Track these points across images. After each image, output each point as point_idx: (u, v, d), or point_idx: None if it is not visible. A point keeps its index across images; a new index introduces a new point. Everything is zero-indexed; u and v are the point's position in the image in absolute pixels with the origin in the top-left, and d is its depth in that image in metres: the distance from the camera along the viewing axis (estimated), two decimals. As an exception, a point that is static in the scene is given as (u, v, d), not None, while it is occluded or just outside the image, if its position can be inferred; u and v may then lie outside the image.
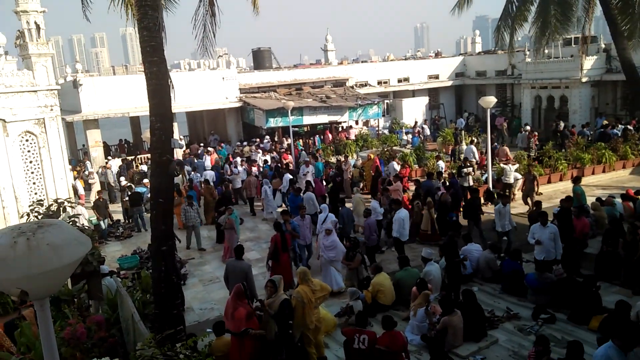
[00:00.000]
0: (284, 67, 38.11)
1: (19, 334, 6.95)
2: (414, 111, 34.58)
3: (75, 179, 19.79)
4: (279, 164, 21.11)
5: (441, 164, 19.67)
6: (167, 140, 8.20)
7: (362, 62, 44.77)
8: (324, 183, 18.38)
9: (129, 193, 17.63)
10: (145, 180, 18.61)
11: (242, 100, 29.75)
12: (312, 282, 8.11)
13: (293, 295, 8.03)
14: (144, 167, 23.18)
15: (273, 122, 27.88)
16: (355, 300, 9.23)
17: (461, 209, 14.76)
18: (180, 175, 20.05)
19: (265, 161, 22.69)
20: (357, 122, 32.55)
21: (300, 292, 7.82)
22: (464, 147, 21.97)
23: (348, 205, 14.88)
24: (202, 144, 28.70)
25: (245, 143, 27.94)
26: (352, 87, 33.68)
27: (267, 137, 29.07)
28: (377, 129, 31.95)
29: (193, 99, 27.52)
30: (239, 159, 21.90)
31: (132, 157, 26.82)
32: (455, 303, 8.72)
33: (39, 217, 11.68)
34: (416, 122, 32.53)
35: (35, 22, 15.20)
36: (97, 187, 20.51)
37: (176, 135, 26.58)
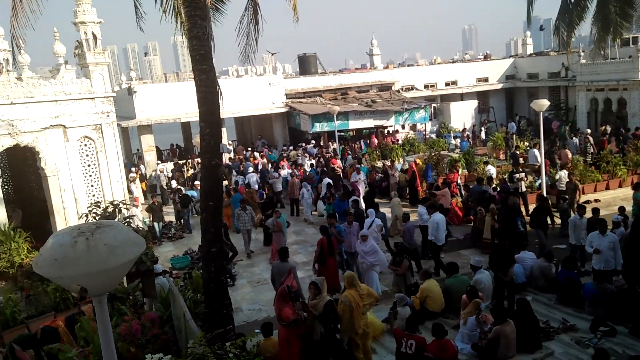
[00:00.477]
0: (329, 72, 38.24)
1: (79, 328, 7.29)
2: (462, 115, 33.87)
3: (130, 182, 20.56)
4: (325, 169, 21.15)
5: (491, 169, 19.12)
6: (216, 145, 8.40)
7: (408, 65, 44.32)
8: (367, 187, 18.36)
9: (179, 195, 18.22)
10: (197, 183, 19.11)
11: (288, 106, 30.07)
12: (360, 286, 8.06)
13: (340, 299, 8.01)
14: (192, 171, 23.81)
15: (319, 127, 28.02)
16: (403, 307, 9.09)
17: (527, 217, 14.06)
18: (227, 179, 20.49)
19: (312, 165, 22.82)
20: (403, 127, 32.21)
21: (347, 297, 7.79)
22: (531, 151, 21.00)
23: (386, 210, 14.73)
24: (249, 149, 29.20)
25: (291, 147, 28.21)
26: (398, 91, 33.38)
27: (313, 141, 29.24)
28: (424, 133, 31.52)
29: (241, 104, 28.06)
30: (285, 163, 22.18)
31: (183, 161, 27.60)
32: (508, 312, 8.42)
33: (97, 218, 12.22)
34: (465, 127, 31.85)
35: (93, 33, 15.93)
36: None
37: (225, 140, 27.20)
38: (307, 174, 20.63)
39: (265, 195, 18.90)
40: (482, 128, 32.13)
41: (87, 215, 12.76)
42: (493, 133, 28.74)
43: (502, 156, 24.74)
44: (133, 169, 24.32)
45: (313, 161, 23.88)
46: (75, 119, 15.50)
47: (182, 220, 18.01)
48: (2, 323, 9.85)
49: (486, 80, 36.28)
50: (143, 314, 7.26)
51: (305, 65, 37.26)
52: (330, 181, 18.16)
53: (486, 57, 41.55)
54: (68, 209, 15.33)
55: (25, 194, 17.47)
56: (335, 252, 11.43)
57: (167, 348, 6.19)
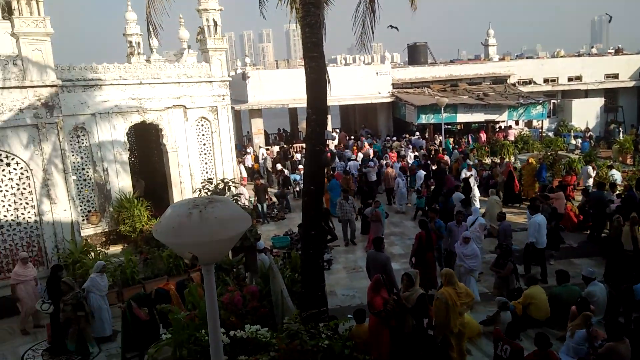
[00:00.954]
0: (439, 62, 37.06)
1: (188, 293, 7.89)
2: (585, 113, 30.99)
3: (239, 163, 21.70)
4: (429, 162, 20.62)
5: (616, 174, 17.35)
6: (321, 132, 8.51)
7: (526, 57, 41.49)
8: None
9: (282, 178, 18.98)
10: (301, 167, 19.66)
11: (395, 96, 29.68)
12: (458, 285, 7.80)
13: (436, 295, 7.82)
14: (298, 156, 24.49)
15: (424, 119, 27.34)
16: (504, 311, 8.64)
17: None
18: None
19: (415, 157, 22.40)
20: (517, 123, 30.30)
21: (444, 294, 7.58)
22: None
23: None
24: (352, 137, 29.36)
25: (394, 138, 27.88)
26: (513, 85, 31.44)
27: (417, 133, 28.62)
28: (540, 130, 29.41)
29: (347, 92, 28.21)
30: (391, 155, 22.02)
31: (289, 145, 28.50)
32: (625, 330, 7.65)
33: (208, 193, 13.07)
34: (588, 127, 29.21)
35: (214, 20, 16.92)
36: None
37: (329, 128, 27.62)
38: (410, 165, 20.27)
39: (358, 183, 19.06)
40: (620, 128, 28.97)
41: (200, 190, 13.70)
42: (616, 135, 26.02)
43: (629, 161, 22.34)
44: (249, 150, 25.59)
45: (416, 152, 23.41)
46: (194, 101, 16.64)
47: (284, 202, 18.68)
48: (123, 281, 10.98)
49: (616, 76, 32.86)
50: (244, 287, 7.66)
51: (415, 55, 36.44)
52: (424, 173, 17.85)
53: (617, 52, 37.55)
54: (184, 183, 16.58)
55: (149, 167, 19.18)
56: (434, 247, 11.15)
57: (265, 321, 6.47)
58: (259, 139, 28.21)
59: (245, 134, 32.73)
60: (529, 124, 31.06)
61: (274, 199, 18.98)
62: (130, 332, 8.59)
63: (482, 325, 8.90)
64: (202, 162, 17.23)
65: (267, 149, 26.11)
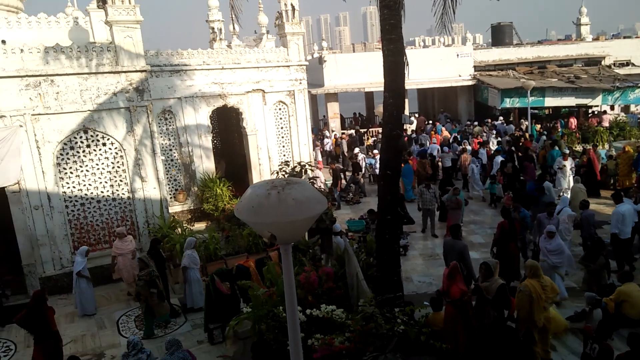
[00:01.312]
0: (525, 43, 35.00)
1: (266, 271, 8.17)
2: (694, 97, 27.94)
3: (315, 147, 21.92)
4: (513, 148, 19.62)
5: None
6: (398, 116, 8.37)
7: (624, 37, 38.04)
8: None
9: (352, 163, 18.97)
10: (376, 151, 19.51)
11: (476, 78, 28.46)
12: (543, 278, 7.41)
13: (519, 287, 7.49)
14: (374, 140, 24.31)
15: (509, 103, 26.01)
16: (595, 308, 8.10)
17: None
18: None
19: (499, 142, 21.43)
20: (612, 108, 27.99)
21: (528, 286, 7.24)
22: None
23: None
24: (430, 121, 28.62)
25: (475, 123, 26.82)
26: (609, 67, 29.04)
27: (501, 117, 27.33)
28: (639, 116, 26.99)
29: (425, 75, 27.45)
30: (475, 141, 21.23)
31: (364, 129, 28.35)
32: None
33: (285, 175, 13.35)
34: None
35: (291, 4, 17.05)
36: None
37: (407, 112, 27.08)
38: (493, 152, 19.43)
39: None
40: None
41: (277, 172, 14.03)
42: None
43: None
44: (328, 134, 25.75)
45: (499, 138, 22.37)
46: (272, 85, 16.96)
47: (356, 187, 18.70)
48: (206, 256, 11.55)
49: None
50: (320, 268, 7.78)
51: (499, 36, 34.67)
52: (502, 159, 17.00)
53: None
54: (263, 165, 17.05)
55: (229, 149, 19.91)
56: (518, 237, 10.66)
57: (339, 302, 6.55)
58: (334, 123, 28.30)
59: (321, 118, 32.98)
60: (625, 109, 28.60)
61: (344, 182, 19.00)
62: (212, 304, 9.04)
63: (569, 321, 8.42)
64: (280, 145, 17.60)
65: (342, 133, 26.13)
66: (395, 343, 5.27)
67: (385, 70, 8.21)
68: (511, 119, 27.46)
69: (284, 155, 17.59)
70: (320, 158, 22.02)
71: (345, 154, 23.50)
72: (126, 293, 11.36)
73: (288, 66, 17.18)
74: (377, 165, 16.87)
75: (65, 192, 11.85)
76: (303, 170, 13.91)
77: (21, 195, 11.29)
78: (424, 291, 10.44)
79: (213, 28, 23.26)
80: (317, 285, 6.80)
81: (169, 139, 15.62)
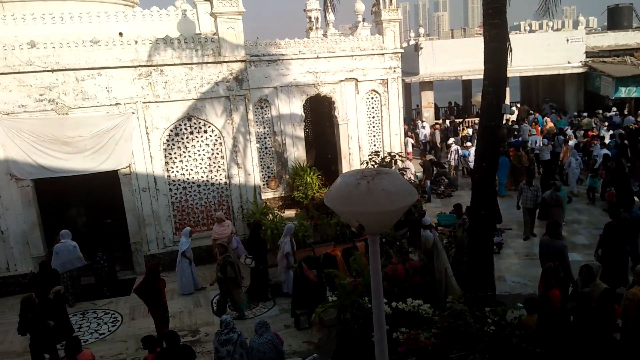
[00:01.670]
0: (649, 25, 31.51)
1: (353, 261, 8.23)
2: None
3: (406, 137, 21.52)
4: (626, 142, 17.87)
5: None
6: (498, 105, 8.00)
7: None
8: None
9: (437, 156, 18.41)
10: (469, 144, 18.75)
11: (588, 65, 26.17)
12: (656, 285, 6.70)
13: (626, 295, 6.84)
14: (470, 131, 23.36)
15: (624, 92, 23.65)
16: None
17: None
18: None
19: (612, 136, 19.63)
20: None
21: (636, 293, 6.59)
22: None
23: None
24: (531, 112, 26.87)
25: (584, 114, 24.73)
26: None
27: (614, 109, 24.94)
28: None
29: (530, 62, 25.73)
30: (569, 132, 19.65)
31: (460, 120, 27.33)
32: None
33: (375, 165, 13.27)
34: None
35: (390, -10, 16.77)
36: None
37: (507, 101, 25.65)
38: (607, 144, 17.84)
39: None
40: None
41: (367, 162, 13.99)
42: None
43: None
44: (426, 124, 25.18)
45: (612, 131, 20.46)
46: (366, 74, 16.87)
47: (449, 179, 18.14)
48: (295, 243, 11.85)
49: None
50: (407, 261, 7.68)
51: (616, 18, 31.58)
52: (608, 153, 15.50)
53: None
54: (353, 155, 17.09)
55: (320, 138, 20.18)
56: (628, 239, 9.73)
57: (426, 297, 6.42)
58: (428, 113, 27.57)
59: (414, 107, 32.26)
60: None
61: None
62: (300, 290, 9.30)
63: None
64: (370, 134, 17.52)
65: (436, 123, 25.39)
66: (485, 343, 5.07)
67: (486, 57, 7.87)
68: (626, 110, 24.97)
69: (374, 145, 17.48)
70: (411, 149, 21.58)
71: (439, 145, 22.83)
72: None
73: (383, 54, 16.99)
74: (471, 158, 16.22)
75: (169, 176, 12.74)
76: (393, 160, 13.74)
77: (131, 177, 12.31)
78: (518, 292, 9.90)
79: (310, 17, 23.61)
80: (403, 278, 6.72)
81: (264, 128, 16.16)
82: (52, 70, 11.31)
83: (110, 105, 11.89)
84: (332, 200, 4.01)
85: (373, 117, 17.50)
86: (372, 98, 17.38)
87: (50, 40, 11.34)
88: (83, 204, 13.54)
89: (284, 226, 11.33)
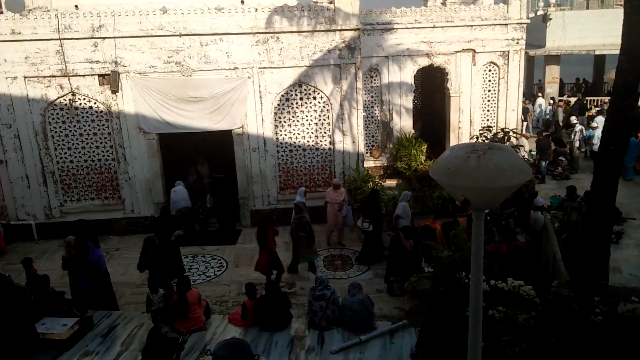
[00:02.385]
0: None
1: (453, 235, 8.05)
2: None
3: (525, 113, 20.15)
4: None
5: None
6: (635, 83, 7.25)
7: None
8: None
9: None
10: (595, 124, 17.12)
11: None
12: None
13: None
14: (597, 111, 21.24)
15: None
16: None
17: None
18: None
19: None
20: None
21: None
22: None
23: None
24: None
25: None
26: None
27: None
28: None
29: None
30: None
31: (587, 98, 24.94)
32: None
33: (486, 141, 12.67)
34: None
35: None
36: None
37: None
38: None
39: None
40: None
41: (477, 137, 13.40)
42: None
43: None
44: (561, 101, 23.43)
45: None
46: (485, 45, 15.96)
47: (568, 160, 16.79)
48: (394, 213, 11.83)
49: None
50: (512, 241, 7.34)
51: None
52: None
53: None
54: (462, 129, 16.46)
55: (428, 110, 19.63)
56: None
57: (528, 279, 6.11)
58: (552, 88, 25.50)
59: (536, 82, 29.96)
60: None
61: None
62: (395, 258, 9.34)
63: None
64: (484, 108, 16.68)
65: (560, 100, 23.43)
66: (590, 333, 4.75)
67: (625, 30, 7.14)
68: None
69: (487, 120, 16.64)
70: (530, 126, 20.21)
71: (560, 123, 21.11)
72: (326, 237, 12.24)
73: (506, 24, 15.92)
74: (596, 140, 14.84)
75: (277, 139, 13.27)
76: (506, 137, 12.99)
77: (243, 138, 13.02)
78: (634, 285, 9.08)
79: (429, -16, 22.69)
80: (506, 258, 6.46)
81: (371, 96, 16.08)
82: (180, 35, 12.17)
83: (229, 69, 12.56)
84: (438, 172, 3.94)
85: (489, 91, 16.60)
86: (490, 71, 16.46)
87: (180, 7, 12.16)
88: (200, 158, 14.59)
89: (384, 195, 11.43)
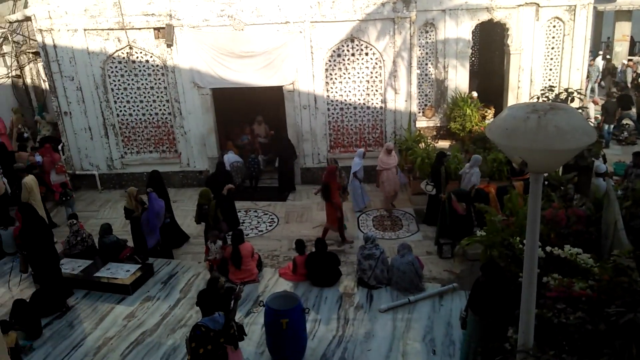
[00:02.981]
0: None
1: (507, 199, 7.84)
2: None
3: (589, 74, 18.92)
4: None
5: None
6: None
7: None
8: None
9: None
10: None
11: None
12: None
13: None
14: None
15: None
16: None
17: None
18: None
19: None
20: None
21: None
22: None
23: None
24: None
25: None
26: None
27: None
28: None
29: None
30: None
31: (660, 57, 23.11)
32: None
33: (548, 101, 12.06)
34: None
35: None
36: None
37: None
38: None
39: None
40: None
41: (538, 98, 12.77)
42: None
43: None
44: (630, 60, 21.91)
45: None
46: (554, -3, 14.92)
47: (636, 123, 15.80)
48: (446, 175, 11.61)
49: None
50: (570, 207, 7.06)
51: None
52: None
53: None
54: (522, 89, 15.68)
55: (485, 68, 18.81)
56: None
57: (587, 247, 5.90)
58: (621, 47, 23.74)
59: (604, 40, 27.96)
60: None
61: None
62: (446, 221, 9.23)
63: None
64: (546, 67, 15.76)
65: (629, 60, 21.83)
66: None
67: None
68: None
69: (549, 80, 15.75)
70: (595, 87, 19.02)
71: (629, 85, 19.78)
72: (383, 202, 12.12)
73: (575, -25, 14.78)
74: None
75: (328, 96, 13.13)
76: (570, 98, 12.27)
77: (294, 94, 12.97)
78: None
79: None
80: (564, 224, 6.24)
81: (425, 53, 15.52)
82: (233, -13, 12.07)
83: (281, 23, 12.38)
84: (495, 132, 3.81)
85: (552, 48, 15.63)
86: (554, 26, 15.43)
87: (233, -42, 11.99)
88: (258, 117, 14.67)
89: (435, 155, 11.15)
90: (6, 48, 16.15)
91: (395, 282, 7.88)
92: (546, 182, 8.68)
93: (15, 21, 14.22)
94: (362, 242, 8.44)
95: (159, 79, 13.00)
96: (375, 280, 7.94)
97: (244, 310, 7.74)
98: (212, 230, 9.09)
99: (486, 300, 5.36)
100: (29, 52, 16.30)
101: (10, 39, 15.87)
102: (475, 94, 15.54)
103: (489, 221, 6.94)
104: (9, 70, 16.27)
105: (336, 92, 13.13)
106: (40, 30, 12.43)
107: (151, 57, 12.78)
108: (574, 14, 15.06)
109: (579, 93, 12.86)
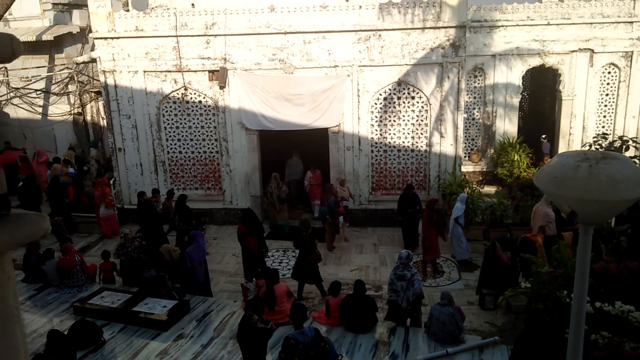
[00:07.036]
0: None
1: (555, 250, 7.48)
2: None
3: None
4: None
5: None
6: None
7: None
8: None
9: None
10: None
11: None
12: None
13: None
14: None
15: None
16: None
17: None
18: None
19: None
20: None
21: None
22: None
23: None
24: None
25: None
26: None
27: None
28: None
29: None
30: None
31: None
32: None
33: (600, 149, 11.62)
34: None
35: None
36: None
37: None
38: None
39: None
40: None
41: (590, 145, 12.35)
42: None
43: None
44: None
45: None
46: (605, 44, 14.64)
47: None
48: (491, 221, 11.29)
49: None
50: (623, 261, 6.65)
51: None
52: None
53: None
54: (574, 135, 15.25)
55: (535, 114, 18.42)
56: None
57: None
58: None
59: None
60: None
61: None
62: (489, 269, 8.88)
63: None
64: (599, 114, 15.30)
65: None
66: None
67: None
68: None
69: (603, 127, 15.26)
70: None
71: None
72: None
73: (631, 22, 14.47)
74: None
75: (372, 138, 13.19)
76: (625, 146, 11.80)
77: (339, 136, 13.11)
78: None
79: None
80: (615, 279, 5.86)
81: (474, 97, 15.43)
82: (285, 33, 12.53)
83: (329, 67, 12.70)
84: (544, 180, 3.69)
85: (606, 95, 15.21)
86: (609, 72, 15.07)
87: (286, 5, 12.51)
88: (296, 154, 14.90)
89: (481, 202, 10.99)
90: (71, 87, 17.31)
91: (433, 333, 7.57)
92: (597, 233, 8.26)
93: (82, 62, 15.30)
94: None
95: (210, 119, 13.50)
96: (407, 302, 7.75)
97: (275, 353, 7.61)
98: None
99: (530, 357, 5.06)
100: (91, 92, 17.38)
101: (75, 78, 17.05)
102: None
103: (535, 272, 6.63)
104: (72, 108, 17.38)
105: (381, 134, 13.18)
106: (104, 71, 13.28)
107: (204, 97, 13.33)
108: (631, 60, 14.70)
109: (634, 141, 12.35)
